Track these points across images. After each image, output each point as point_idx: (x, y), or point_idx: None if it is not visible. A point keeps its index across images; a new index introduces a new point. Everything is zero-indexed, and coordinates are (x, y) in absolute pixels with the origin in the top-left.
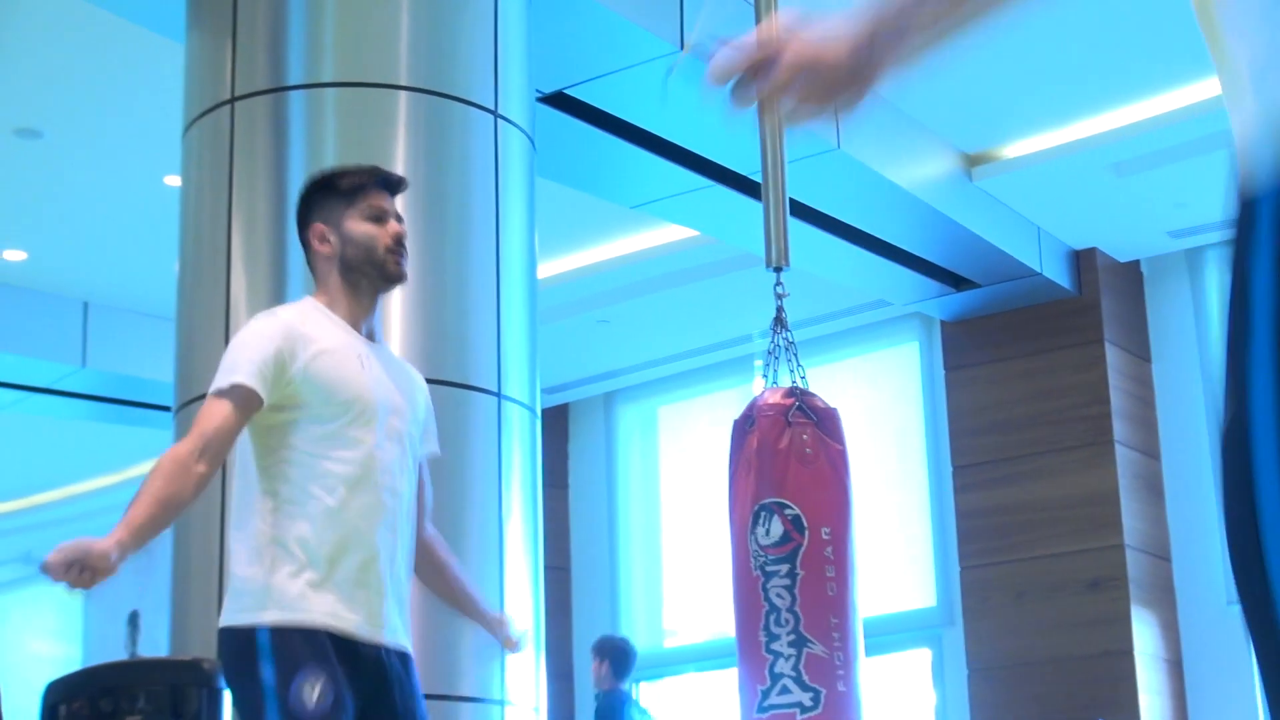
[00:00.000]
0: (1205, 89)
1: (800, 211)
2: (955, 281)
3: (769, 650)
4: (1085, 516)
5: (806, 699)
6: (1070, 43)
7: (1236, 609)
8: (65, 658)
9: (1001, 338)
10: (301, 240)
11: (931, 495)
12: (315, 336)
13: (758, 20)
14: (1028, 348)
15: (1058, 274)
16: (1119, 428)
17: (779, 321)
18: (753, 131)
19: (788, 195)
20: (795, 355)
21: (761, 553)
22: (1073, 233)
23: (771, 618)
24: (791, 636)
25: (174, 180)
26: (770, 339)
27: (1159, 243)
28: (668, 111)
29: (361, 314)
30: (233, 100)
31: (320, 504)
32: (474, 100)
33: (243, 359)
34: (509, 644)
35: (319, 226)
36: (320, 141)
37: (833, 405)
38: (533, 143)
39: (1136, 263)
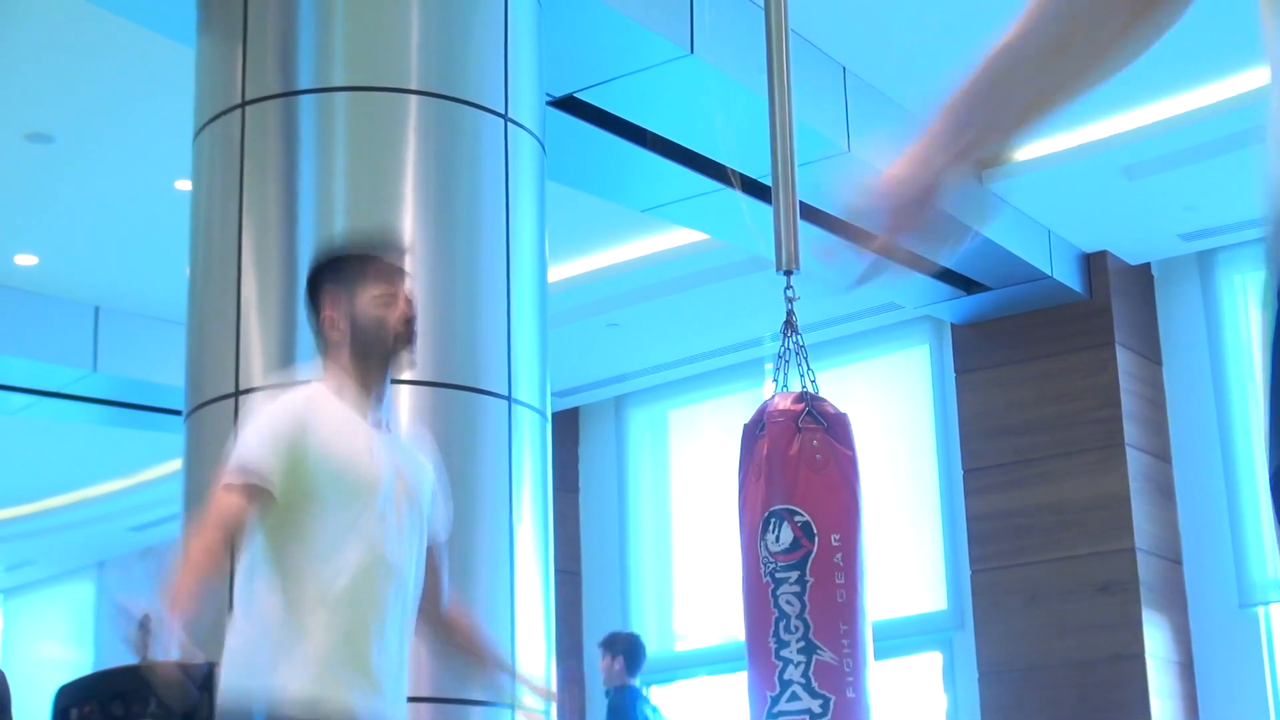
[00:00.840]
0: (1217, 91)
1: (810, 214)
2: (966, 284)
3: (778, 657)
4: (1096, 519)
5: (816, 706)
6: None
7: (1248, 612)
8: (77, 661)
9: (1012, 341)
10: (311, 322)
11: (942, 498)
12: (325, 422)
13: (767, 22)
14: (1038, 351)
15: (1068, 277)
16: (1130, 431)
17: (789, 325)
18: (763, 133)
19: (798, 198)
20: (806, 359)
21: (771, 559)
22: (1084, 235)
23: (781, 624)
24: (801, 643)
25: (185, 185)
26: (780, 342)
27: (1170, 245)
28: (678, 115)
29: (371, 397)
30: (243, 105)
31: (325, 591)
32: (484, 104)
33: (255, 453)
34: (540, 699)
35: (329, 313)
36: (331, 146)
37: (843, 410)
38: (543, 146)
39: (1147, 265)
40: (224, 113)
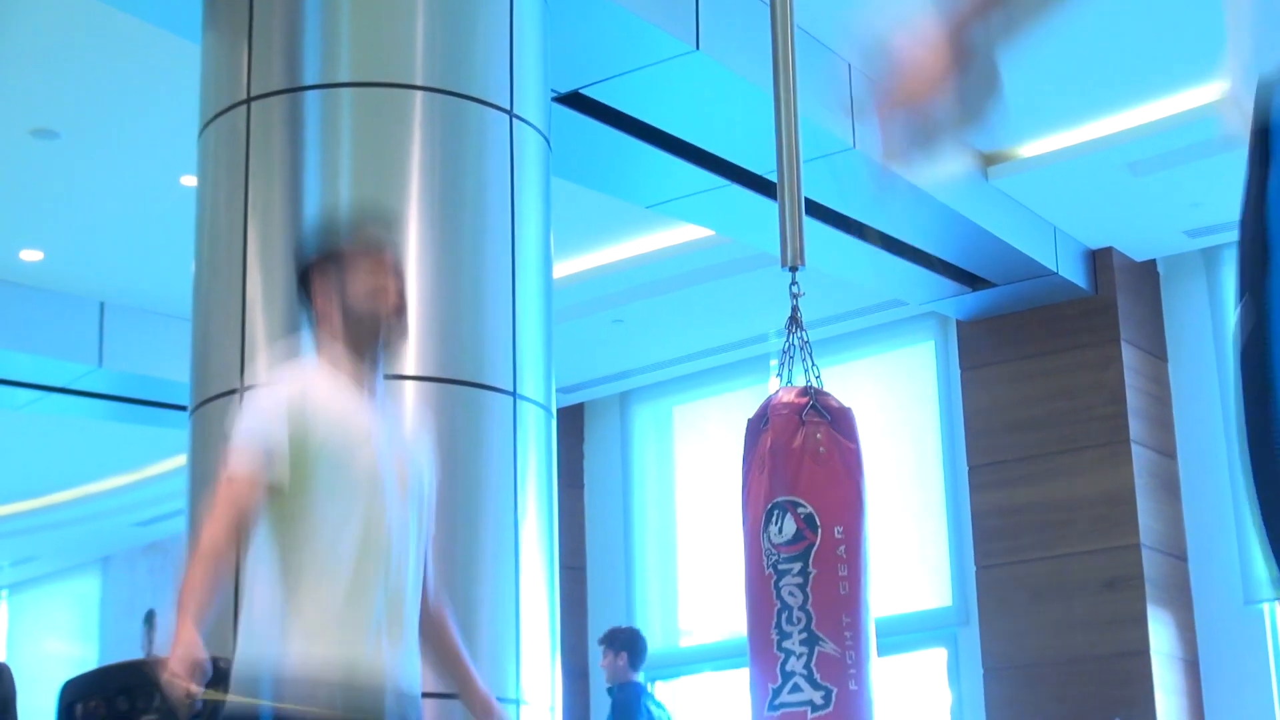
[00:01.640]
0: (1223, 89)
1: (816, 211)
2: (971, 281)
3: (780, 648)
4: (1101, 516)
5: (818, 697)
6: (1087, 42)
7: (1253, 608)
8: (82, 657)
9: (1017, 337)
10: (302, 306)
11: (947, 495)
12: (324, 408)
13: (772, 18)
14: (1044, 347)
15: (1074, 273)
16: (1135, 427)
17: (794, 321)
18: (768, 130)
19: (803, 194)
20: (810, 355)
21: (774, 551)
22: (1089, 232)
23: (783, 616)
24: (803, 635)
25: (190, 180)
26: (785, 338)
27: (1175, 242)
28: (683, 111)
29: (365, 380)
30: (249, 100)
31: (329, 576)
32: (490, 100)
33: (259, 445)
34: None
35: (320, 301)
36: (336, 141)
37: (847, 404)
38: (548, 142)
39: (1153, 262)
40: (229, 108)
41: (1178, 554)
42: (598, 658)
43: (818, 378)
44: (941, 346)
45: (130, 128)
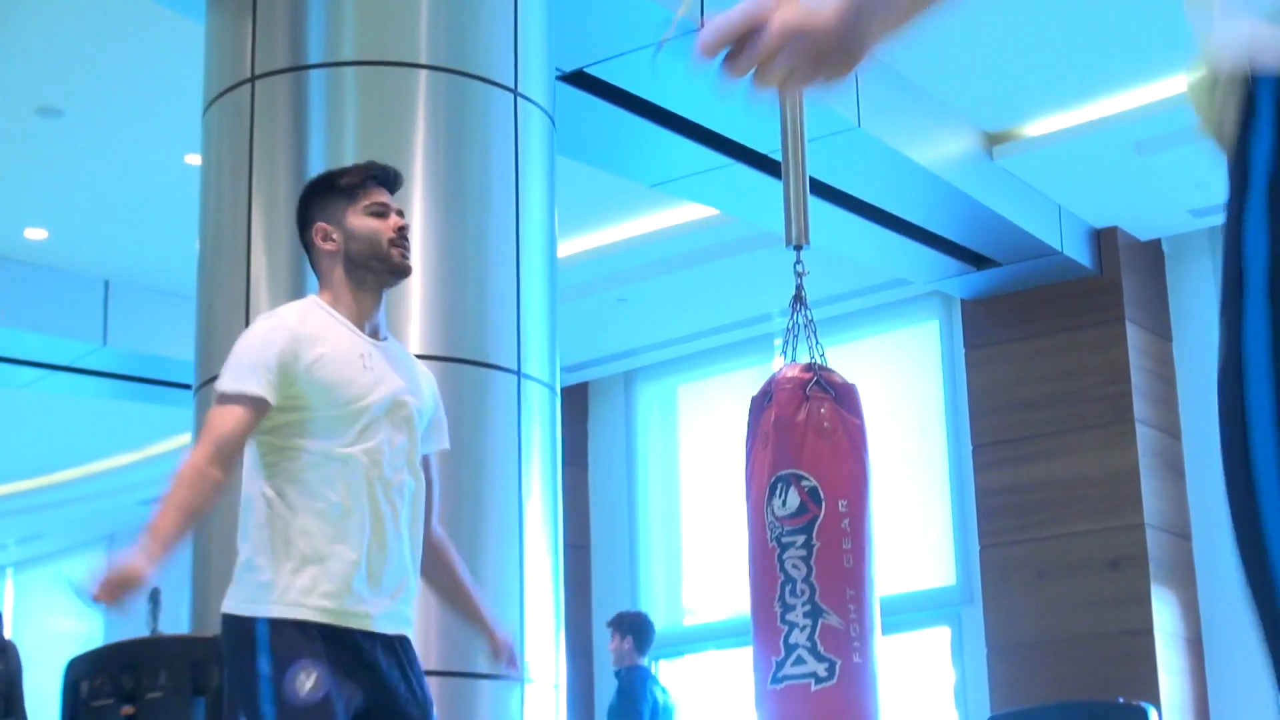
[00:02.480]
0: None
1: (820, 190)
2: (976, 260)
3: (784, 621)
4: (1105, 495)
5: (821, 669)
6: (1092, 21)
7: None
8: (87, 634)
9: (1022, 316)
10: (304, 241)
11: (951, 474)
12: (318, 336)
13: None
14: (1048, 326)
15: (1078, 253)
16: (1139, 407)
17: (799, 300)
18: (773, 109)
19: (808, 173)
20: (815, 333)
21: (778, 524)
22: (1094, 211)
23: (787, 588)
24: (807, 607)
25: (194, 159)
26: (790, 317)
27: (1180, 221)
28: (688, 89)
29: (366, 311)
30: (253, 79)
31: (323, 501)
32: (494, 79)
33: (247, 364)
34: (496, 659)
35: (321, 225)
36: (340, 120)
37: (851, 381)
38: (553, 121)
39: (1158, 241)
40: (233, 87)
41: (1181, 533)
42: (602, 636)
43: (822, 356)
44: (946, 326)
45: (134, 106)
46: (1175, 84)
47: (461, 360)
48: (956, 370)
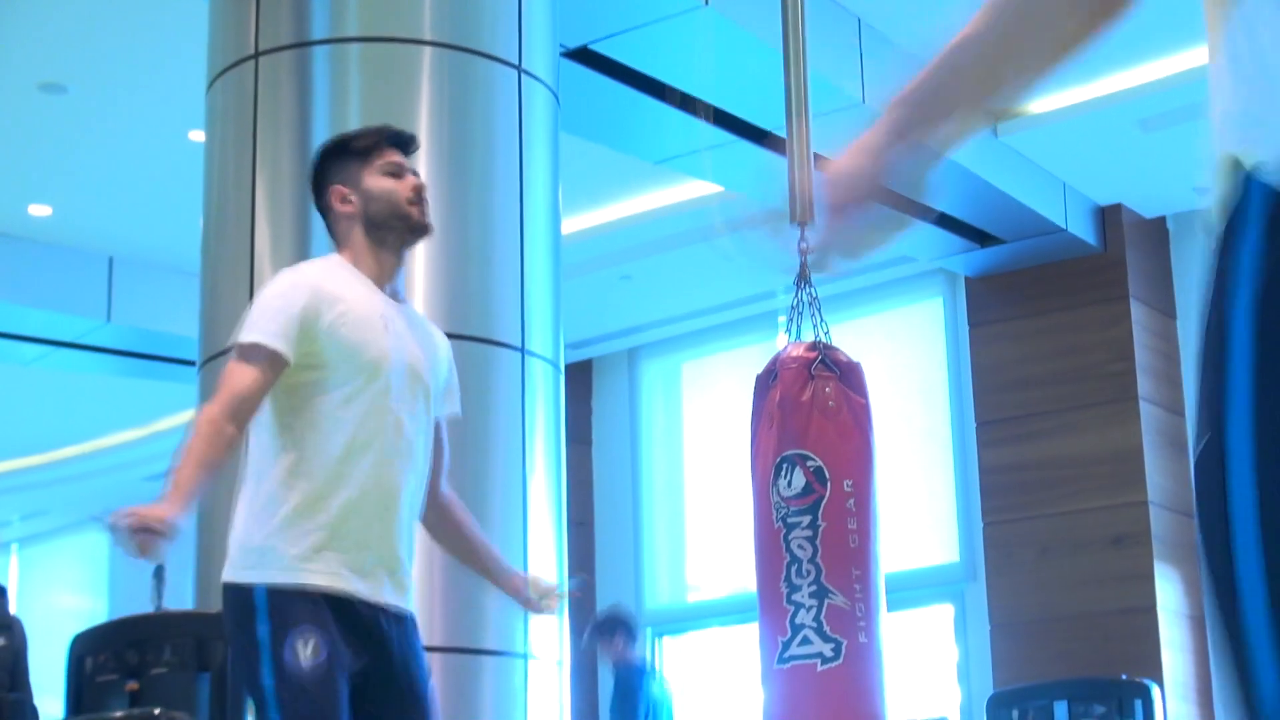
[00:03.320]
0: None
1: (824, 166)
2: (980, 237)
3: (790, 601)
4: (1109, 473)
5: (828, 650)
6: None
7: None
8: (91, 610)
9: (1026, 294)
10: (320, 206)
11: (955, 451)
12: (340, 295)
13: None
14: (1053, 304)
15: (1083, 230)
16: (1144, 384)
17: (802, 277)
18: (777, 85)
19: (812, 150)
20: (819, 311)
21: (783, 504)
22: (1098, 189)
23: (793, 569)
24: (813, 587)
25: (198, 135)
26: (794, 294)
27: (1185, 199)
28: (692, 66)
29: (386, 273)
30: (257, 55)
31: (334, 466)
32: (498, 55)
33: (268, 318)
34: (530, 605)
35: (339, 188)
36: (344, 96)
37: (856, 359)
38: (557, 98)
39: (1162, 219)
40: (237, 63)
41: (1185, 511)
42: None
43: (826, 334)
44: (950, 303)
45: (138, 83)
46: (1180, 61)
47: (466, 337)
48: (960, 348)
